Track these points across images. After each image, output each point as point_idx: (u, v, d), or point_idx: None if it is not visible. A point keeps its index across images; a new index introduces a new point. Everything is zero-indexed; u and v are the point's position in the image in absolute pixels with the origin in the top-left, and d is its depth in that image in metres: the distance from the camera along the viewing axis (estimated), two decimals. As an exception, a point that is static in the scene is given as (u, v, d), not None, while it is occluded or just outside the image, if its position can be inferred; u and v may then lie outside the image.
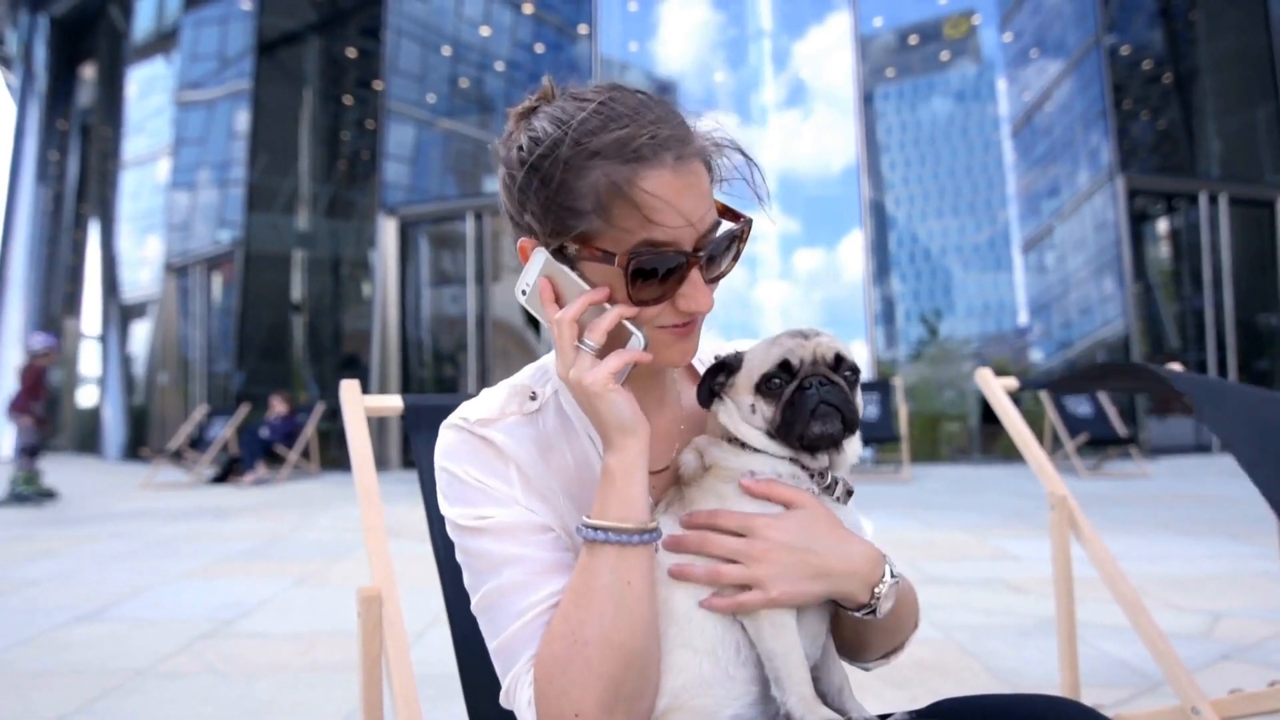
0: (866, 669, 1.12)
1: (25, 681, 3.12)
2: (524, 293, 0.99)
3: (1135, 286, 12.95)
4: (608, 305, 0.96)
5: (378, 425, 12.06)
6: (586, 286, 0.96)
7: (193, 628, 3.83)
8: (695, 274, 0.96)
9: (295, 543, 6.23)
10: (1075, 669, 2.22)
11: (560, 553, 0.99)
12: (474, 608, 1.00)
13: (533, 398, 1.07)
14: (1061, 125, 13.97)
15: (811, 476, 1.02)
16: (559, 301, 0.98)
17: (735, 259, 1.02)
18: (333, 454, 13.50)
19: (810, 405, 0.97)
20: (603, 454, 0.97)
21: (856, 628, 1.04)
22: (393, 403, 1.64)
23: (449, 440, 1.04)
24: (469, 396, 1.10)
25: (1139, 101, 14.52)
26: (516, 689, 0.95)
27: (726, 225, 0.99)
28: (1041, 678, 2.92)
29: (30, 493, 9.46)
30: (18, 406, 9.69)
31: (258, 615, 4.07)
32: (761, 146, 14.73)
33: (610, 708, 0.90)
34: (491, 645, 0.98)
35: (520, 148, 0.97)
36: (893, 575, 1.00)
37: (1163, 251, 14.92)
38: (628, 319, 0.96)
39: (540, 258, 0.97)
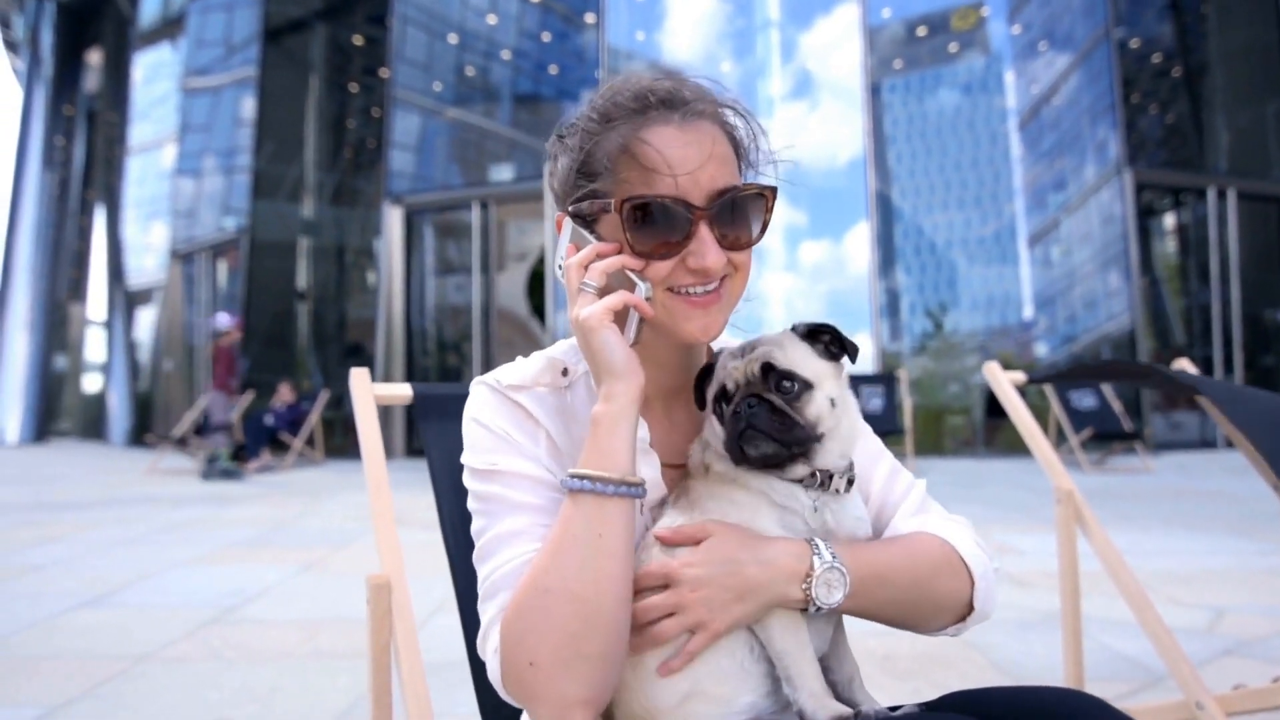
0: (949, 635, 1.11)
1: (30, 666, 3.14)
2: (560, 266, 1.02)
3: (1142, 281, 12.91)
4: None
5: (382, 413, 12.04)
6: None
7: (197, 614, 3.85)
8: (703, 230, 0.97)
9: (300, 530, 6.25)
10: (1079, 663, 2.22)
11: None
12: (474, 555, 1.00)
13: (565, 373, 1.07)
14: (1069, 118, 13.91)
15: (803, 484, 0.99)
16: None
17: (763, 229, 1.02)
18: (337, 442, 13.52)
19: (738, 430, 0.95)
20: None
21: (863, 612, 1.01)
22: (402, 391, 1.64)
23: (482, 396, 1.06)
24: None
25: (1148, 95, 14.45)
26: (488, 634, 0.95)
27: (747, 191, 1.00)
28: (1044, 671, 2.93)
29: (233, 468, 9.99)
30: (219, 384, 10.28)
31: (262, 602, 4.08)
32: (768, 137, 14.66)
33: (566, 663, 0.88)
34: (479, 591, 0.98)
35: (560, 135, 1.04)
36: (825, 560, 0.94)
37: (1170, 246, 14.87)
38: (633, 270, 0.97)
39: (568, 226, 1.02)
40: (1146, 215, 14.11)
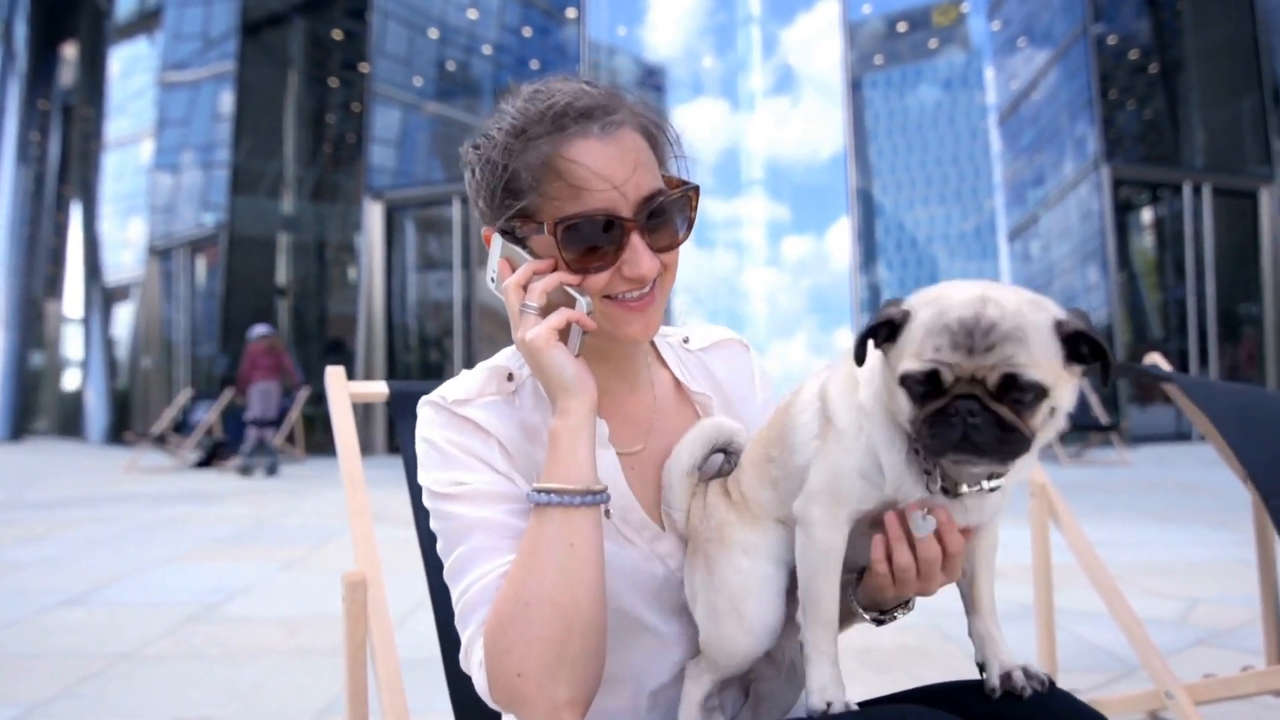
0: (884, 619, 1.05)
1: (10, 665, 3.12)
2: (492, 280, 1.04)
3: (1119, 275, 13.03)
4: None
5: (362, 410, 12.03)
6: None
7: (178, 612, 3.83)
8: (635, 239, 0.98)
9: (280, 527, 6.22)
10: (1053, 654, 2.25)
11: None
12: (445, 574, 1.02)
13: (510, 378, 1.08)
14: (1048, 114, 14.01)
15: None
16: None
17: (689, 227, 1.03)
18: (318, 439, 13.45)
19: (952, 437, 0.80)
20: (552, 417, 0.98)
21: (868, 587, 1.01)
22: (378, 389, 1.64)
23: (428, 415, 1.06)
24: None
25: (1125, 91, 14.57)
26: (471, 649, 0.97)
27: (673, 194, 1.01)
28: (1020, 663, 2.96)
29: (250, 464, 10.36)
30: (265, 375, 10.73)
31: (243, 599, 4.07)
32: (749, 133, 14.71)
33: (553, 670, 0.91)
34: (455, 609, 1.00)
35: (476, 146, 1.03)
36: None
37: (1146, 241, 15.02)
38: (571, 285, 0.98)
39: (498, 242, 1.03)
40: (1124, 210, 14.24)
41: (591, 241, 0.97)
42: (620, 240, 0.97)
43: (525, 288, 0.99)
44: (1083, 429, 10.44)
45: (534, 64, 14.73)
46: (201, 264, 16.24)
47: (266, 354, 10.91)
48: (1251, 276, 13.74)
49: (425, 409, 1.07)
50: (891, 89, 15.91)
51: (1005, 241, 14.12)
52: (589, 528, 0.95)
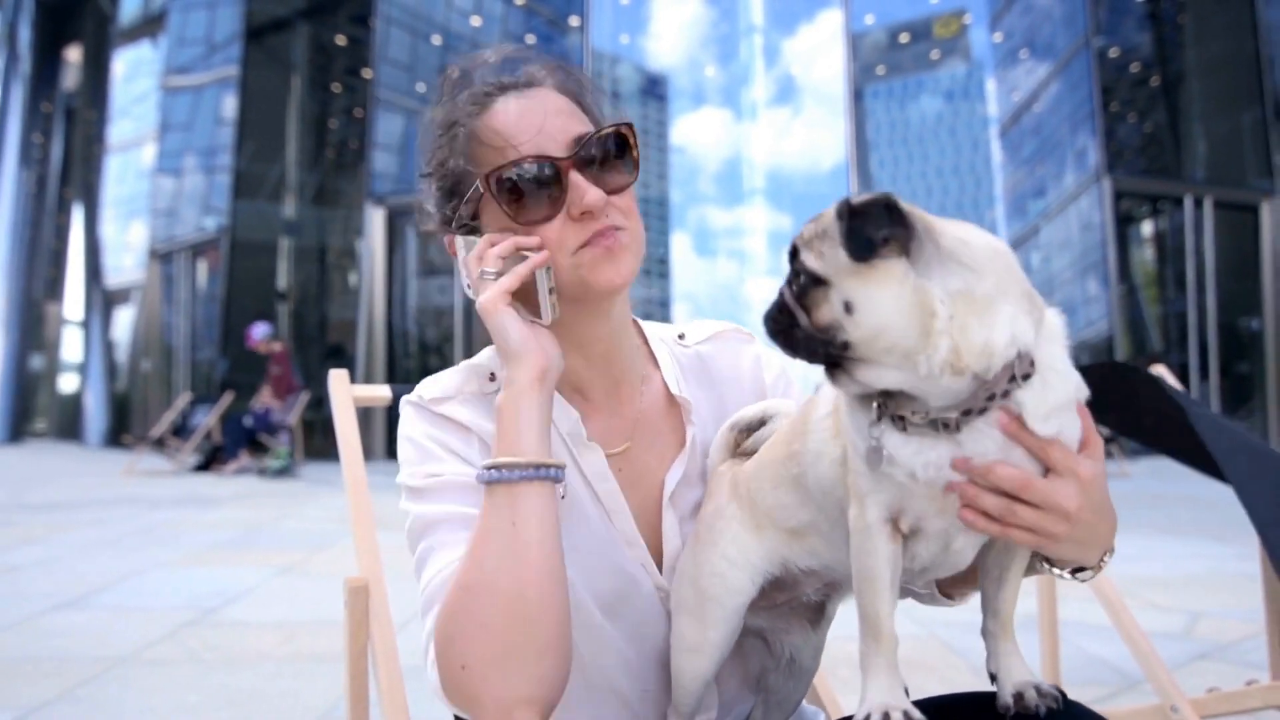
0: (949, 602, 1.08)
1: (7, 669, 3.10)
2: (468, 285, 1.01)
3: (1120, 288, 13.03)
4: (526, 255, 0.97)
5: (363, 415, 11.95)
6: None
7: (176, 616, 3.81)
8: (575, 176, 0.95)
9: (278, 532, 6.21)
10: (1056, 667, 2.23)
11: None
12: (414, 569, 0.98)
13: (491, 378, 1.06)
14: (1049, 126, 14.04)
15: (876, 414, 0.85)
16: None
17: (635, 166, 1.01)
18: (317, 443, 13.43)
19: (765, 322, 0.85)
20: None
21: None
22: (381, 393, 1.64)
23: (408, 414, 1.05)
24: None
25: (1126, 104, 14.60)
26: (427, 647, 0.91)
27: (604, 131, 0.99)
28: (1022, 675, 2.94)
29: (284, 465, 10.65)
30: (281, 391, 11.13)
31: (241, 604, 4.05)
32: (751, 142, 14.74)
33: (498, 660, 0.84)
34: (420, 608, 0.96)
35: (423, 174, 1.07)
36: None
37: (1147, 254, 15.03)
38: (527, 248, 0.96)
39: (460, 245, 1.02)
40: (1125, 223, 14.25)
41: (530, 189, 0.95)
42: (560, 181, 0.95)
43: (482, 259, 0.97)
44: (1083, 441, 10.43)
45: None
46: (202, 268, 16.24)
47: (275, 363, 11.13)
48: (1252, 290, 13.74)
49: (405, 409, 1.06)
50: (893, 100, 15.95)
51: (1006, 253, 14.13)
52: (537, 506, 0.88)
